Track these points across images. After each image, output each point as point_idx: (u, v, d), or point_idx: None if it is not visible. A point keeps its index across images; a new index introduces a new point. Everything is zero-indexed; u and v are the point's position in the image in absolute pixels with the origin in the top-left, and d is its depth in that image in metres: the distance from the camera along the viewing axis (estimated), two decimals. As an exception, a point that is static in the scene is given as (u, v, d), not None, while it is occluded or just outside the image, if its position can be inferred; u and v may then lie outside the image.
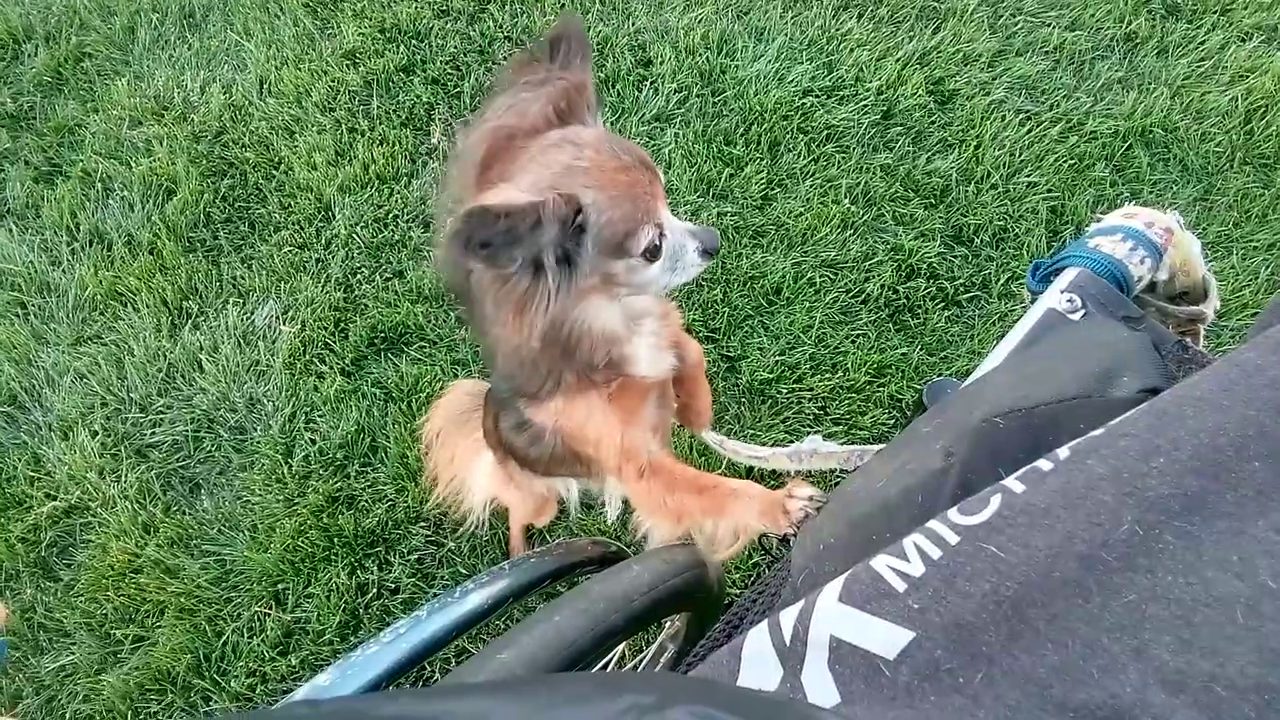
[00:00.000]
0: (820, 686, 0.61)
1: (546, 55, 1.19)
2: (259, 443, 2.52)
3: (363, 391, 2.57)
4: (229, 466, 2.52)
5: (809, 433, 2.41)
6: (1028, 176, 2.87)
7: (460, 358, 2.59)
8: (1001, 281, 2.69)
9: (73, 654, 2.30)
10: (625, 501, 1.80)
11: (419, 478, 2.39)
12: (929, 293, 2.67)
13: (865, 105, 3.02)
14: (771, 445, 2.36)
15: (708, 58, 3.14)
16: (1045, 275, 1.16)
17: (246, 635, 2.27)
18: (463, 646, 2.13)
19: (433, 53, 3.24)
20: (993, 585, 0.58)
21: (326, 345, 2.65)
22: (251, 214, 2.97)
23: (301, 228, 2.90)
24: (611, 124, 3.00)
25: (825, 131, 2.97)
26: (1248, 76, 3.10)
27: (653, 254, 1.18)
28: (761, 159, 2.90)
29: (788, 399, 2.51)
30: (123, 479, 2.49)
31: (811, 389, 2.50)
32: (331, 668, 0.89)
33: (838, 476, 1.65)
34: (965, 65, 3.14)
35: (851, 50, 3.15)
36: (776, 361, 2.53)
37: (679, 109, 3.03)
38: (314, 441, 2.50)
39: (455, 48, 3.25)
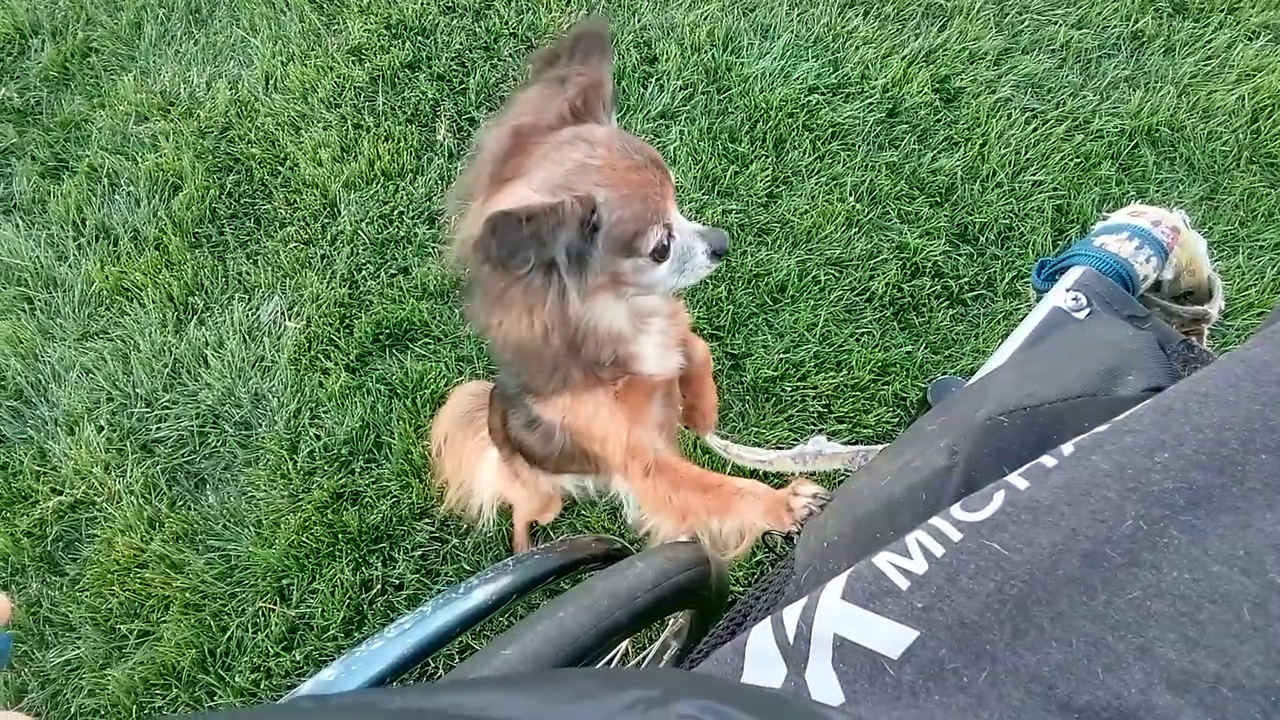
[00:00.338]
0: (824, 685, 0.61)
1: (567, 53, 1.20)
2: (264, 438, 2.52)
3: (367, 387, 2.57)
4: (234, 462, 2.53)
5: (813, 431, 2.42)
6: (1033, 175, 2.86)
7: (465, 354, 2.59)
8: (1007, 280, 2.68)
9: (78, 648, 2.31)
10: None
11: (423, 474, 2.40)
12: (934, 291, 2.66)
13: (871, 103, 3.02)
14: (775, 446, 2.37)
15: (713, 55, 3.13)
16: (1051, 274, 1.16)
17: (251, 630, 2.27)
18: (466, 643, 2.13)
19: (438, 49, 3.24)
20: (996, 583, 0.58)
21: (332, 341, 2.66)
22: (257, 210, 2.97)
23: (307, 224, 2.90)
24: (616, 121, 2.98)
25: (830, 129, 2.97)
26: (1255, 75, 3.09)
27: (661, 254, 1.18)
28: (766, 156, 2.90)
29: (792, 397, 2.50)
30: (128, 474, 2.50)
31: (816, 387, 2.50)
32: (336, 663, 0.90)
33: (842, 476, 1.65)
34: (971, 63, 3.14)
35: (857, 48, 3.14)
36: (781, 359, 2.53)
37: (684, 106, 3.03)
38: (319, 437, 2.50)
39: (461, 44, 3.25)
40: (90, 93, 3.33)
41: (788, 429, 2.46)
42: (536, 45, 3.21)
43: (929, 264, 2.70)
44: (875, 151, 2.94)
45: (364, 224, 2.85)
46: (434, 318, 2.66)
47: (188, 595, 2.31)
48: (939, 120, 3.01)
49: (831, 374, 2.52)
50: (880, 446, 1.17)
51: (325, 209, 2.92)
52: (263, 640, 2.25)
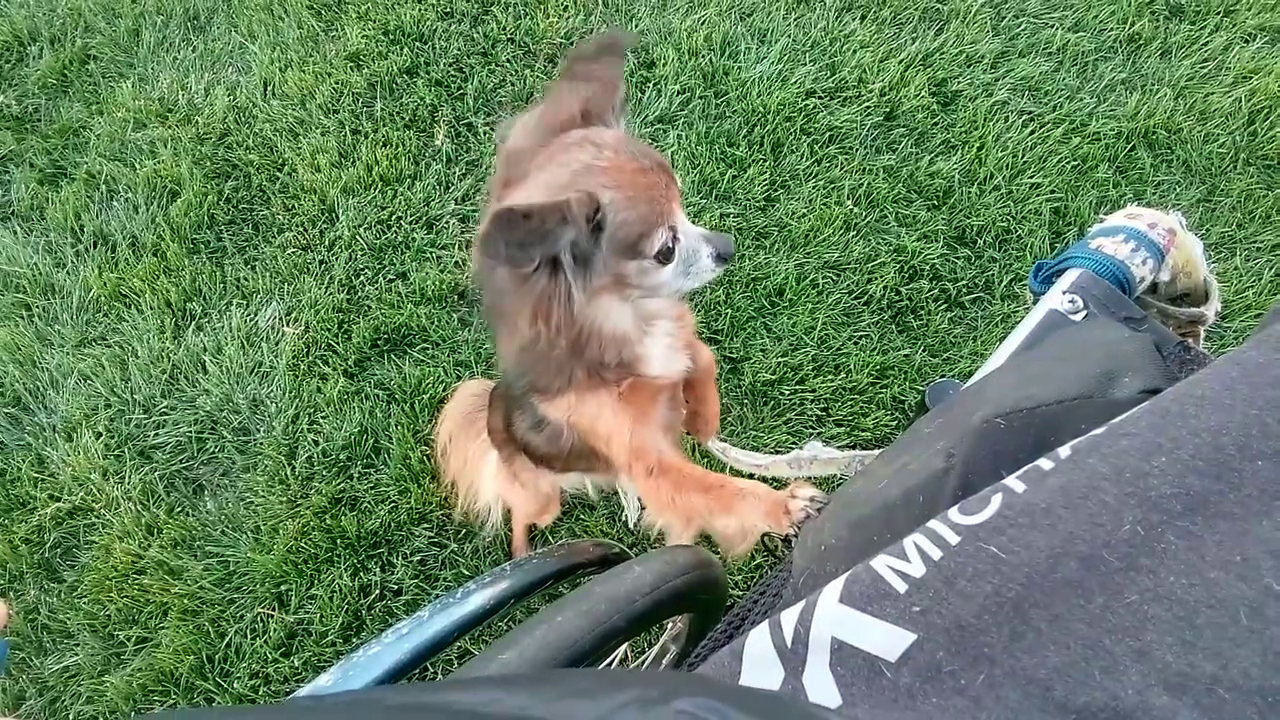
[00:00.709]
0: (822, 688, 0.61)
1: (586, 58, 1.22)
2: (262, 444, 2.52)
3: (366, 393, 2.57)
4: (232, 468, 2.53)
5: (811, 434, 2.42)
6: (1031, 178, 2.87)
7: (463, 359, 2.59)
8: (1004, 283, 2.69)
9: (76, 655, 2.30)
10: (641, 501, 1.81)
11: (422, 479, 2.40)
12: (932, 294, 2.67)
13: (868, 107, 3.02)
14: (774, 450, 2.37)
15: (711, 59, 3.14)
16: (1047, 276, 1.16)
17: (249, 636, 2.27)
18: (465, 648, 2.13)
19: (436, 55, 3.24)
20: (994, 586, 0.58)
21: (330, 347, 2.66)
22: (255, 216, 2.97)
23: (305, 229, 2.90)
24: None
25: (828, 133, 2.97)
26: (1251, 77, 3.10)
27: (665, 256, 1.19)
28: (764, 160, 2.90)
29: (790, 400, 2.51)
30: (126, 480, 2.50)
31: (814, 390, 2.50)
32: (334, 668, 0.89)
33: (840, 480, 1.65)
34: (968, 67, 3.14)
35: (854, 52, 3.15)
36: (779, 363, 2.53)
37: (682, 110, 3.03)
38: (317, 443, 2.50)
39: (459, 50, 3.25)
40: (88, 100, 3.33)
41: (786, 432, 2.46)
42: (534, 51, 3.22)
43: (927, 267, 2.70)
44: (873, 155, 2.94)
45: (362, 229, 2.85)
46: (432, 323, 2.66)
47: (186, 601, 2.31)
48: (936, 123, 3.02)
49: (830, 377, 2.52)
50: (877, 451, 1.17)
51: (323, 214, 2.92)
52: (261, 646, 2.24)
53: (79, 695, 2.26)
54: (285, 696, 2.10)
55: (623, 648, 1.66)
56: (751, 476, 1.66)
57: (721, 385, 2.50)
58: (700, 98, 3.05)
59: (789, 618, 0.66)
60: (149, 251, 2.90)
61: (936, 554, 0.62)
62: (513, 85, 3.14)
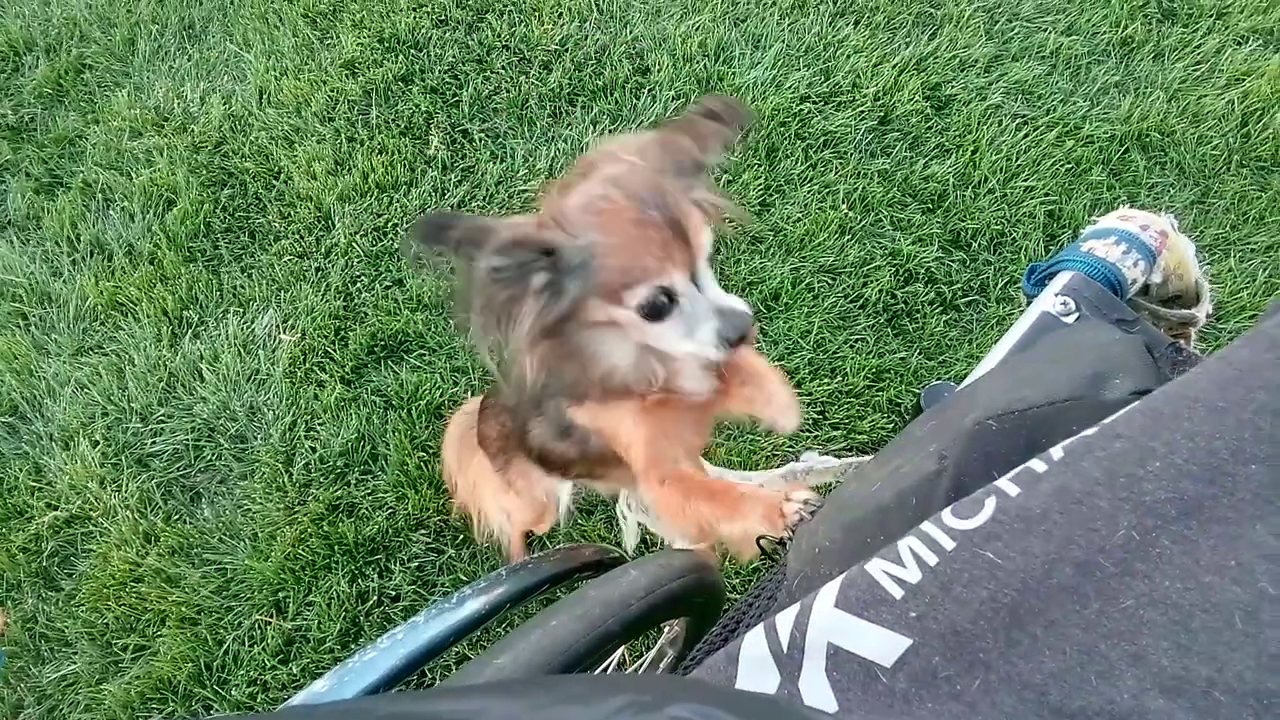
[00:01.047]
0: (818, 693, 0.61)
1: (703, 111, 1.23)
2: (259, 451, 2.52)
3: (363, 399, 2.57)
4: (229, 475, 2.52)
5: (807, 436, 2.42)
6: (1025, 181, 2.87)
7: (460, 364, 2.59)
8: (999, 286, 2.69)
9: (74, 663, 2.30)
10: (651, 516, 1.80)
11: (419, 485, 2.39)
12: (927, 297, 2.67)
13: (862, 111, 3.03)
14: (770, 454, 2.37)
15: (705, 65, 3.14)
16: (1040, 279, 1.17)
17: (247, 644, 2.26)
18: (463, 654, 2.13)
19: (431, 62, 3.25)
20: (990, 592, 0.58)
21: (326, 353, 2.66)
22: (251, 223, 2.97)
23: (301, 237, 2.90)
24: (609, 132, 3.00)
25: (823, 137, 2.98)
26: (1244, 79, 3.11)
27: (652, 314, 1.16)
28: (759, 165, 2.91)
29: (787, 404, 2.50)
30: (124, 488, 2.49)
31: (810, 394, 2.50)
32: (328, 674, 0.90)
33: (835, 484, 1.65)
34: (962, 71, 3.15)
35: (848, 56, 3.15)
36: (775, 367, 2.53)
37: (677, 116, 3.03)
38: (314, 449, 2.50)
39: (454, 57, 3.26)
40: (84, 109, 3.34)
41: (782, 436, 2.46)
42: (529, 58, 3.22)
43: (922, 270, 2.71)
44: (867, 159, 2.95)
45: (358, 236, 2.85)
46: (429, 329, 2.66)
47: (184, 609, 2.31)
48: (930, 128, 3.02)
49: (826, 381, 2.52)
50: (870, 459, 1.17)
51: (319, 222, 2.93)
52: (259, 653, 2.24)
53: (77, 704, 2.25)
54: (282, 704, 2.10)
55: (619, 652, 1.66)
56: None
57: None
58: (695, 103, 3.05)
59: (784, 621, 0.66)
60: (145, 260, 2.90)
61: (932, 559, 0.62)
62: (508, 92, 3.15)
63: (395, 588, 2.31)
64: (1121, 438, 0.61)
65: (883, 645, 0.60)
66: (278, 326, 2.73)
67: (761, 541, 1.11)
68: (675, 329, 1.18)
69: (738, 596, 1.01)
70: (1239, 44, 3.22)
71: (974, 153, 2.93)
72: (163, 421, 2.60)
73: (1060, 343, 1.01)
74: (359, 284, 2.78)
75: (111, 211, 3.03)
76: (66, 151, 3.24)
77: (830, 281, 2.70)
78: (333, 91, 3.19)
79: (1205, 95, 3.08)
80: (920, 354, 2.58)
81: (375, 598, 2.29)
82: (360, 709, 0.60)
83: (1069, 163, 2.92)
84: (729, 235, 2.59)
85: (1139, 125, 2.99)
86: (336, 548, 2.34)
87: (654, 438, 1.35)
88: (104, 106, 3.31)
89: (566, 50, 3.22)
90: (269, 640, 2.25)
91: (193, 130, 3.18)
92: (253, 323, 2.75)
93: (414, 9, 3.38)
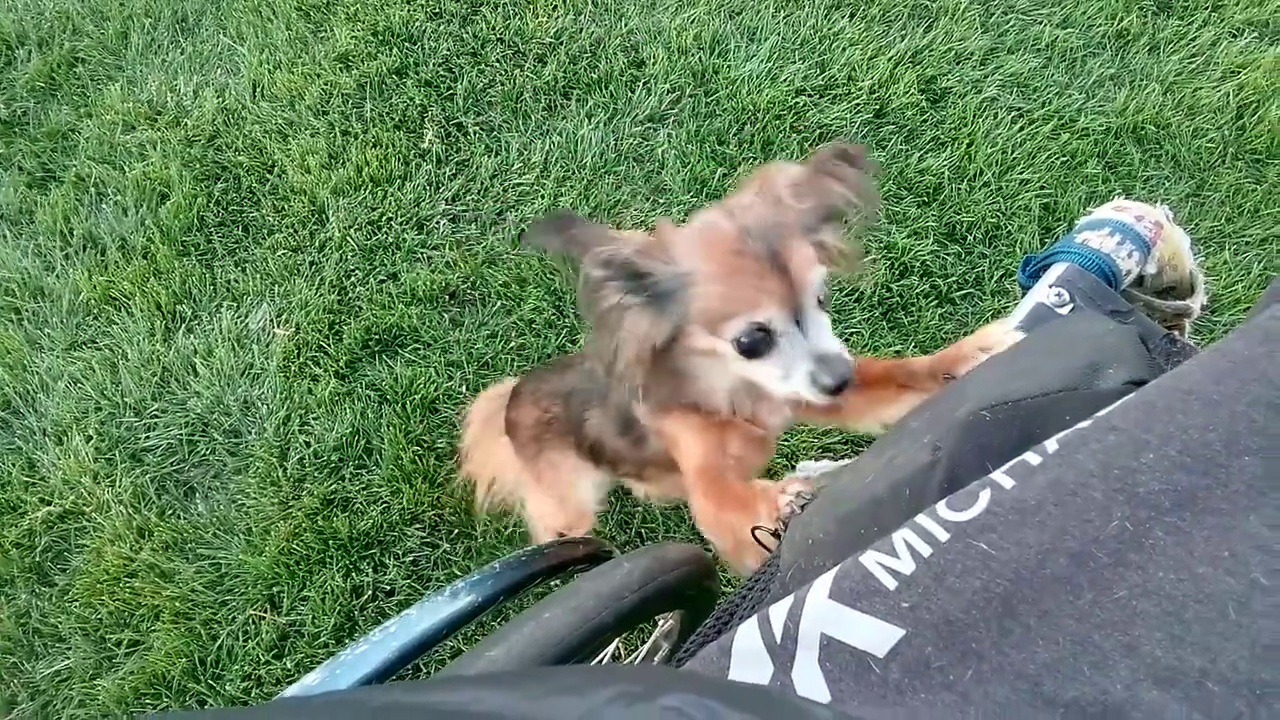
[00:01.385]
0: (810, 684, 0.61)
1: (837, 155, 1.22)
2: (253, 446, 2.51)
3: (357, 394, 2.56)
4: (223, 470, 2.52)
5: (804, 443, 2.42)
6: (1020, 174, 2.87)
7: (454, 359, 2.59)
8: (995, 279, 2.69)
9: (68, 659, 2.29)
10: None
11: (414, 479, 2.39)
12: (922, 290, 2.67)
13: (858, 104, 3.02)
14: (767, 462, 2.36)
15: (700, 58, 3.14)
16: (1035, 270, 1.17)
17: (241, 639, 2.26)
18: (456, 647, 2.12)
19: (425, 55, 3.24)
20: (983, 582, 0.58)
21: (321, 348, 2.65)
22: (245, 217, 2.96)
23: (295, 231, 2.89)
24: (604, 125, 3.00)
25: (818, 131, 2.97)
26: (1239, 72, 3.11)
27: (748, 350, 1.14)
28: (755, 158, 2.90)
29: (783, 398, 2.50)
30: (117, 483, 2.49)
31: (806, 388, 2.50)
32: (320, 667, 0.89)
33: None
34: (957, 63, 3.15)
35: (844, 49, 3.15)
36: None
37: (672, 109, 3.04)
38: (308, 444, 2.49)
39: (448, 50, 3.25)
40: (77, 103, 3.32)
41: (781, 436, 2.45)
42: (524, 51, 3.21)
43: (917, 263, 2.71)
44: (863, 152, 2.94)
45: (352, 230, 2.85)
46: (423, 323, 2.66)
47: (178, 604, 2.30)
48: (926, 120, 3.02)
49: (822, 375, 2.51)
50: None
51: (313, 216, 2.92)
52: (253, 648, 2.24)
53: (71, 699, 2.25)
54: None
55: (614, 645, 1.66)
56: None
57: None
58: (690, 96, 3.05)
59: (778, 613, 0.66)
60: (139, 254, 2.89)
61: (926, 551, 0.62)
62: (502, 85, 3.14)
63: (390, 582, 2.30)
64: (1115, 430, 0.61)
65: (875, 636, 0.60)
66: (272, 321, 2.73)
67: (756, 532, 1.11)
68: (772, 368, 1.16)
69: (731, 590, 1.01)
70: (1234, 36, 3.22)
71: (969, 146, 2.93)
72: (156, 416, 2.59)
73: (1054, 334, 1.00)
74: (353, 278, 2.78)
75: (104, 205, 3.02)
76: (59, 145, 3.22)
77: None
78: (326, 85, 3.18)
79: (1201, 88, 3.08)
80: (916, 347, 2.57)
81: (370, 592, 2.29)
82: (353, 700, 0.60)
83: (1064, 155, 2.92)
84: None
85: (1134, 118, 2.99)
86: (331, 542, 2.33)
87: (712, 451, 1.33)
88: (97, 100, 3.30)
89: (561, 43, 3.21)
90: (263, 635, 2.25)
91: (186, 124, 3.17)
92: (246, 317, 2.74)
93: (408, 1, 3.37)
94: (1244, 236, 2.78)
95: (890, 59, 3.12)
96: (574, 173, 2.92)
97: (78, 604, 2.35)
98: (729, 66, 3.12)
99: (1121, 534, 0.55)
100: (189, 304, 2.78)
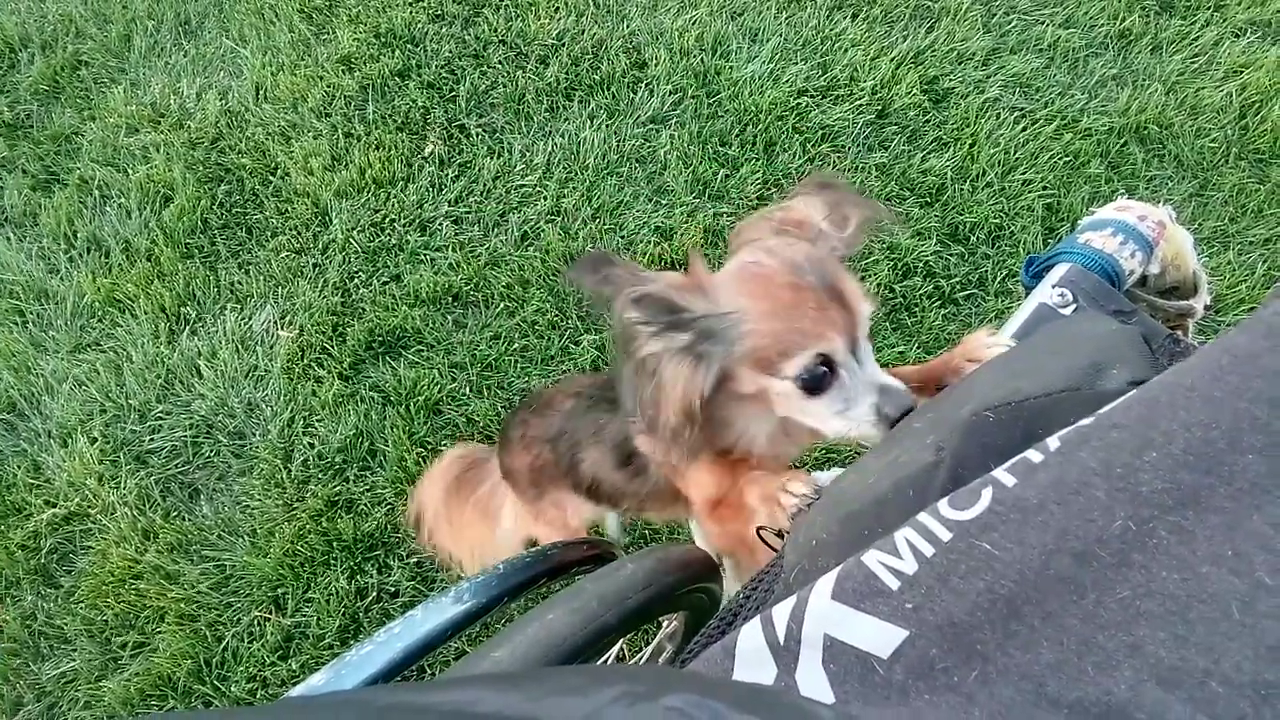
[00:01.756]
0: (814, 685, 0.61)
1: (830, 184, 1.21)
2: (258, 448, 2.52)
3: (361, 395, 2.57)
4: (228, 472, 2.52)
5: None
6: (1023, 174, 2.87)
7: (458, 360, 2.59)
8: (998, 279, 2.69)
9: (73, 660, 2.30)
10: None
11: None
12: (925, 291, 2.67)
13: (860, 105, 3.02)
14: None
15: (702, 59, 3.14)
16: (1038, 271, 1.17)
17: (247, 640, 2.26)
18: (461, 649, 2.12)
19: (428, 57, 3.24)
20: (987, 583, 0.58)
21: (324, 349, 2.65)
22: (248, 220, 2.97)
23: (298, 233, 2.90)
24: (607, 126, 3.00)
25: (820, 131, 2.97)
26: (1242, 72, 3.10)
27: (812, 386, 1.09)
28: (757, 160, 2.90)
29: (786, 399, 2.50)
30: (122, 485, 2.49)
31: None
32: (325, 668, 0.89)
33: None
34: (959, 64, 3.15)
35: (846, 50, 3.15)
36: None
37: (674, 110, 3.04)
38: (312, 446, 2.50)
39: (450, 52, 3.25)
40: (80, 105, 3.33)
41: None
42: (526, 53, 3.22)
43: (920, 264, 2.70)
44: (865, 153, 2.94)
45: (355, 232, 2.85)
46: (426, 325, 2.66)
47: (183, 606, 2.30)
48: (928, 121, 3.02)
49: (825, 375, 2.51)
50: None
51: (317, 218, 2.92)
52: (258, 650, 2.24)
53: (77, 700, 2.25)
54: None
55: (618, 646, 1.66)
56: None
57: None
58: (692, 97, 3.05)
59: (781, 613, 0.66)
60: (142, 256, 2.89)
61: (929, 550, 0.62)
62: (505, 87, 3.14)
63: (394, 584, 2.30)
64: (1118, 427, 0.61)
65: (879, 637, 0.60)
66: (275, 323, 2.73)
67: (761, 532, 1.10)
68: (831, 403, 1.12)
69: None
70: (1237, 36, 3.22)
71: (972, 146, 2.93)
72: (161, 418, 2.60)
73: (1057, 334, 1.00)
74: (356, 280, 2.78)
75: (108, 208, 3.03)
76: (63, 148, 3.23)
77: (828, 275, 2.69)
78: (329, 87, 3.18)
79: (1203, 88, 3.07)
80: (919, 348, 2.57)
81: (374, 594, 2.29)
82: (358, 700, 0.60)
83: (1067, 156, 2.92)
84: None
85: (1137, 118, 2.99)
86: (335, 544, 2.34)
87: (723, 484, 1.29)
88: (100, 103, 3.30)
89: (563, 45, 3.22)
90: (268, 637, 2.25)
91: (189, 126, 3.18)
92: (250, 319, 2.74)
93: (410, 4, 3.38)
94: (1247, 236, 2.78)
95: (892, 60, 3.12)
96: (576, 174, 2.92)
97: (83, 606, 2.35)
98: (731, 68, 3.12)
99: (1124, 533, 0.55)
100: (193, 306, 2.79)
